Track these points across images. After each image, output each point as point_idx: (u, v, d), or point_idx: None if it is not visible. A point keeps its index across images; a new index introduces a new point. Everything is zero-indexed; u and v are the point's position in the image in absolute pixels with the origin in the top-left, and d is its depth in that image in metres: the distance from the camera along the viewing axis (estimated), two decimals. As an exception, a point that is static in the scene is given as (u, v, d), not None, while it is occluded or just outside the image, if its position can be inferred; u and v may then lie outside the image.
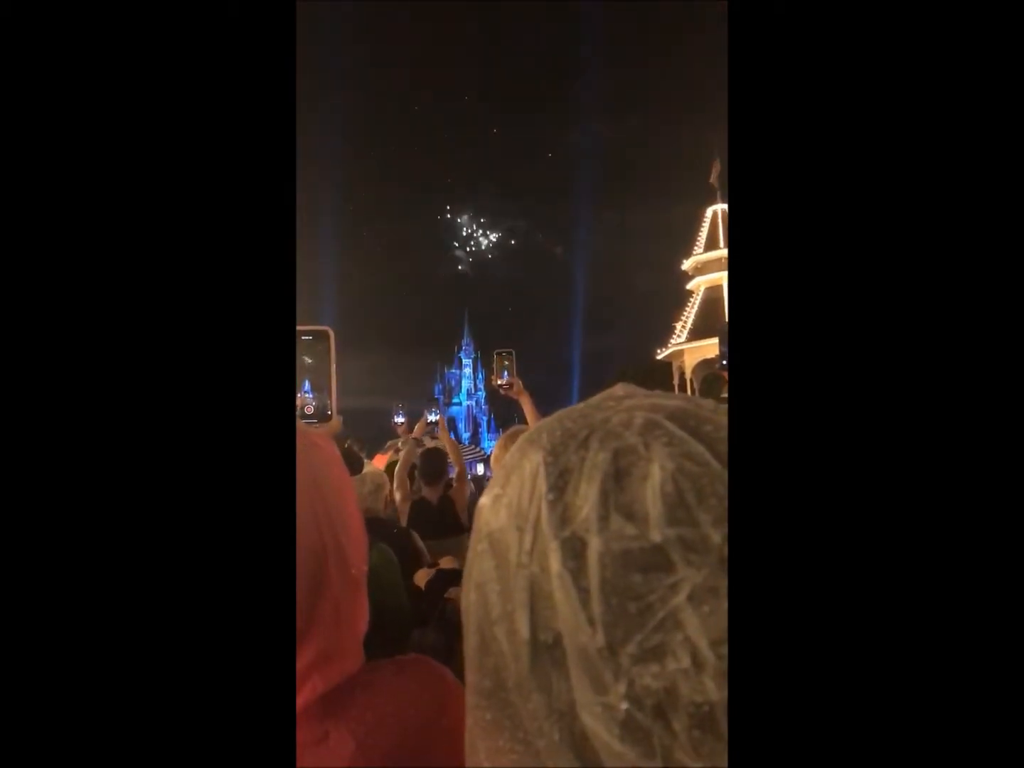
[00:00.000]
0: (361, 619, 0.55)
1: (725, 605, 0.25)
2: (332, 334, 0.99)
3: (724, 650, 0.25)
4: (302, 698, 0.50)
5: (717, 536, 0.26)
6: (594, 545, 0.27)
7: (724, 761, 0.24)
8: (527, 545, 0.29)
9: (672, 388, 20.68)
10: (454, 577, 2.04)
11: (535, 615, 0.28)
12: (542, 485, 0.29)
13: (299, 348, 0.97)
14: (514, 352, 2.33)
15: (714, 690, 0.24)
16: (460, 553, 2.98)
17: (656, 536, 0.26)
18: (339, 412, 1.02)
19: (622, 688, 0.25)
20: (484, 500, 0.33)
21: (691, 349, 19.69)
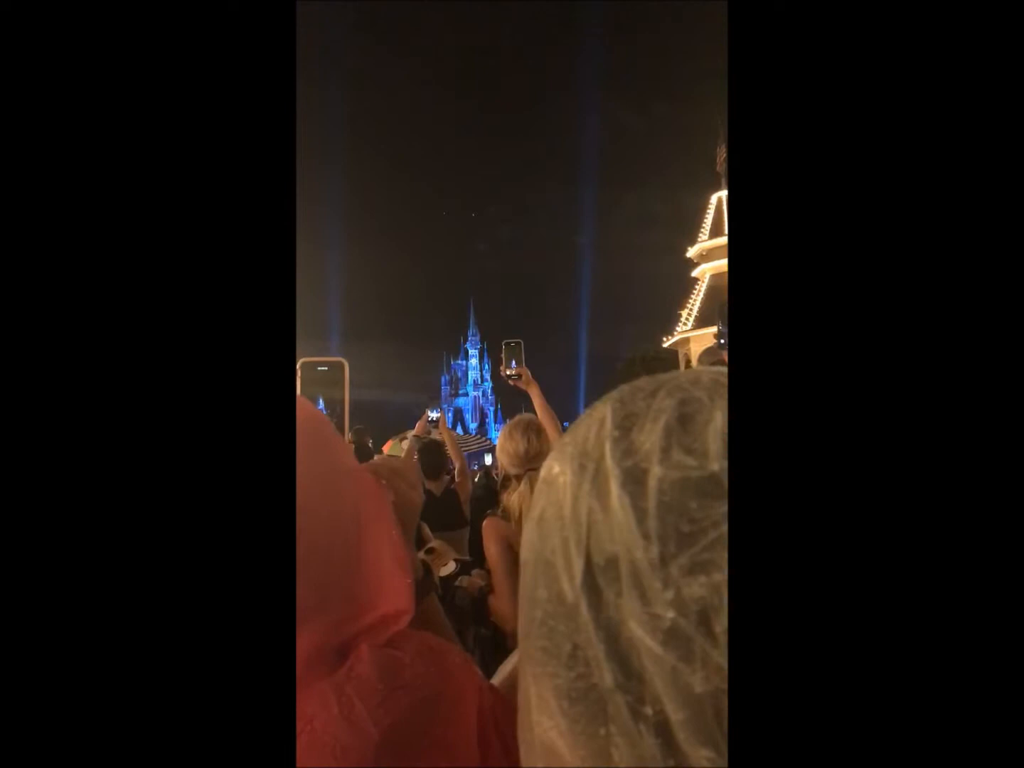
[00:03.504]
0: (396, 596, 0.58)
1: None
2: (347, 365, 1.04)
3: None
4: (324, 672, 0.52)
5: None
6: (654, 473, 0.29)
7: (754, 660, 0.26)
8: (589, 477, 0.30)
9: (679, 376, 20.56)
10: (466, 567, 2.06)
11: (591, 540, 0.29)
12: (609, 425, 0.31)
13: (315, 379, 1.02)
14: (522, 342, 2.33)
15: None
16: (463, 545, 3.02)
17: (714, 466, 0.28)
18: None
19: (669, 596, 0.27)
20: (553, 451, 0.35)
21: (697, 337, 19.64)
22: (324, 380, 1.03)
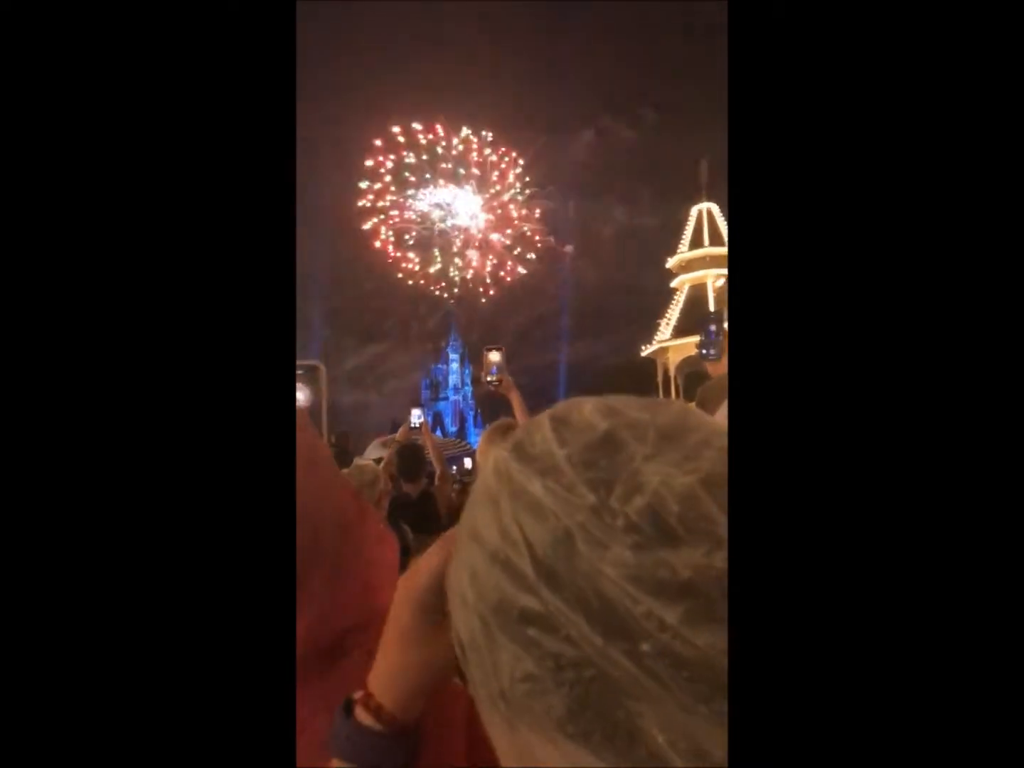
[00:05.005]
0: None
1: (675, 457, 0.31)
2: (323, 369, 1.08)
3: (689, 466, 0.31)
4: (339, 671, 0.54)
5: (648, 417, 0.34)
6: (559, 455, 0.33)
7: (713, 537, 0.29)
8: (504, 498, 0.34)
9: (656, 385, 20.74)
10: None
11: (530, 543, 0.32)
12: (503, 458, 0.36)
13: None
14: (503, 348, 2.37)
15: (676, 472, 0.31)
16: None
17: (603, 425, 0.33)
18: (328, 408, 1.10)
19: (620, 522, 0.30)
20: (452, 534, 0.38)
21: (675, 346, 19.79)
22: (300, 385, 1.06)
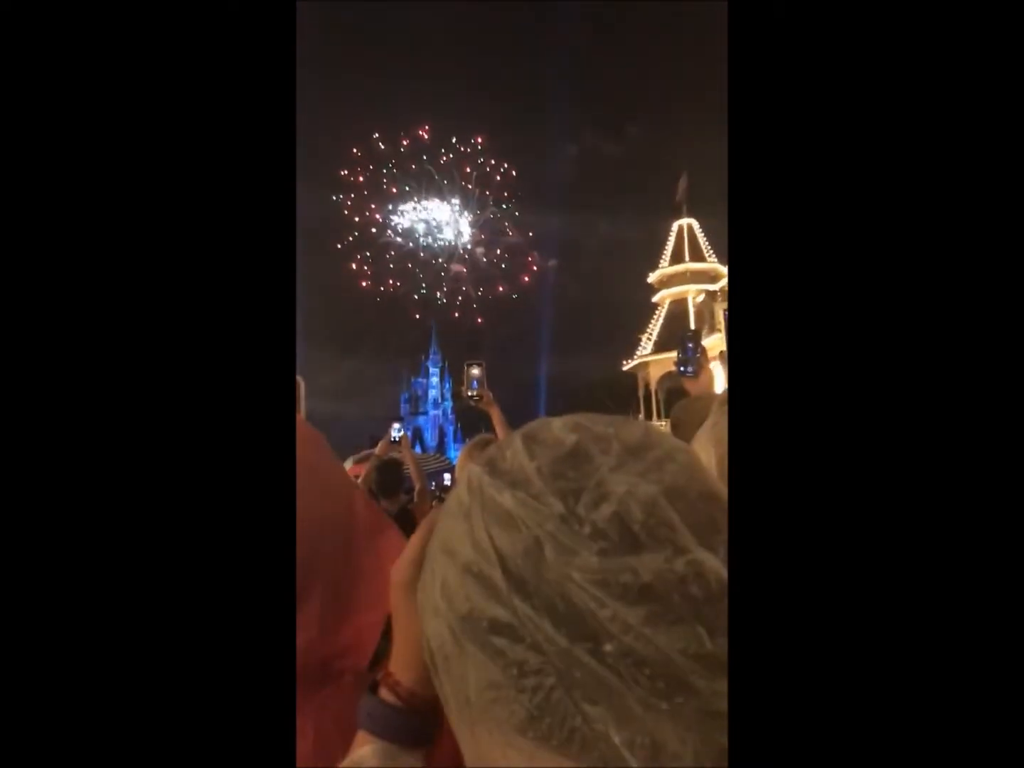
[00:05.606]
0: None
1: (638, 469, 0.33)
2: (302, 384, 1.05)
3: (652, 477, 0.32)
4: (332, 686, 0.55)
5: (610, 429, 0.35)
6: (528, 467, 0.34)
7: (674, 544, 0.30)
8: (476, 510, 0.35)
9: (637, 399, 21.00)
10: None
11: (500, 553, 0.33)
12: (477, 474, 0.36)
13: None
14: (484, 363, 2.35)
15: (640, 482, 0.32)
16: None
17: (571, 439, 0.35)
18: (307, 418, 1.07)
19: (587, 529, 0.31)
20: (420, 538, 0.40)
21: (656, 361, 20.01)
22: None
